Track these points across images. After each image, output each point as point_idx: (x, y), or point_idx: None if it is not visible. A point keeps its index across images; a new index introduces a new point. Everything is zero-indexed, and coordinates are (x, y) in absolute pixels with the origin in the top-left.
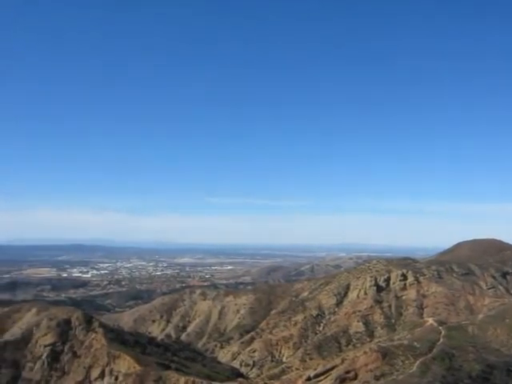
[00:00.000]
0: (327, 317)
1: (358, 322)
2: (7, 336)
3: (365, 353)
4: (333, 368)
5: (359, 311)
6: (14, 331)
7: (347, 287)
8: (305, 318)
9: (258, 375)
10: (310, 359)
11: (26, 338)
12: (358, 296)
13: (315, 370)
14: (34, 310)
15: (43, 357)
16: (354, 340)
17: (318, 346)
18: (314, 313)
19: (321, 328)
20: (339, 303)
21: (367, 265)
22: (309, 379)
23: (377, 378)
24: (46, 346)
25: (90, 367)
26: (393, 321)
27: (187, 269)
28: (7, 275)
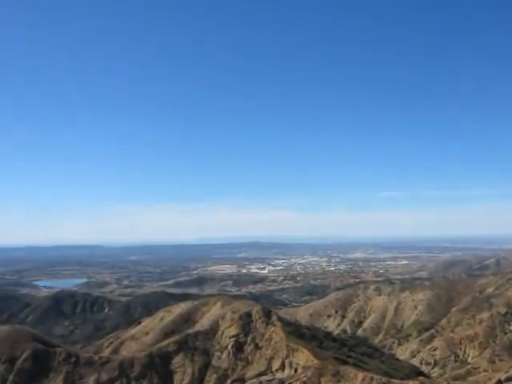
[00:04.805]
0: None
1: None
2: (198, 327)
3: None
4: None
5: None
6: (203, 322)
7: None
8: (491, 315)
9: (441, 375)
10: (500, 361)
11: (213, 329)
12: None
13: (507, 372)
14: (219, 304)
15: (229, 347)
16: None
17: (508, 347)
18: (502, 310)
19: (510, 327)
20: None
21: None
22: (499, 382)
23: None
24: (230, 337)
25: (271, 358)
26: None
27: (360, 264)
28: (195, 271)
